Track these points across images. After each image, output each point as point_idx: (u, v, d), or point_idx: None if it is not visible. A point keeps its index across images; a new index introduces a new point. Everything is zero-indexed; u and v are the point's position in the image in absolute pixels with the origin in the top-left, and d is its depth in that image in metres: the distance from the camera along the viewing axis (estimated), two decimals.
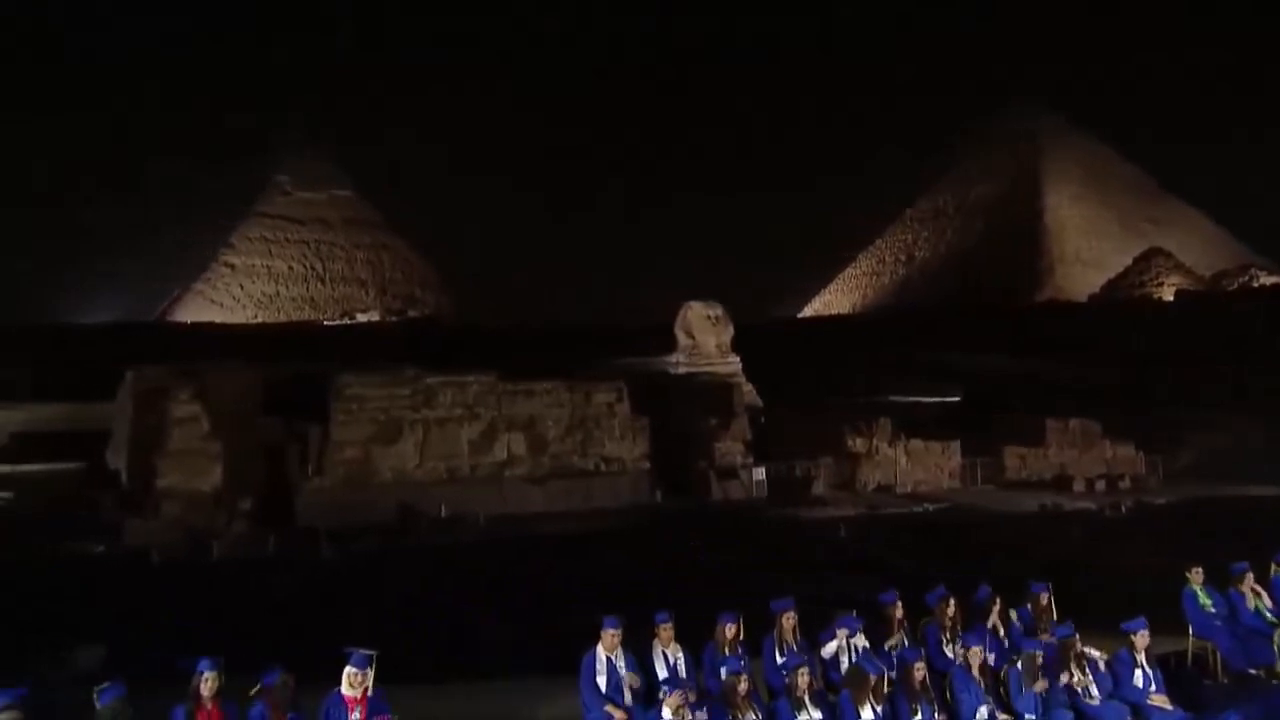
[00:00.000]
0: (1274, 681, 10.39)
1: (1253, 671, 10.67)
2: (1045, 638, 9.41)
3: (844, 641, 9.20)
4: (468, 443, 35.33)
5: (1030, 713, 8.41)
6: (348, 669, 7.67)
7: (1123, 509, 33.06)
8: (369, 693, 7.65)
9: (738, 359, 52.23)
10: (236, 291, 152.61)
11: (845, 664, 9.03)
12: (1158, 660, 9.51)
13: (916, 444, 40.55)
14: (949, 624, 9.72)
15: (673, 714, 7.54)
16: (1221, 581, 11.54)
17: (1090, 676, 8.90)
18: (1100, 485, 38.51)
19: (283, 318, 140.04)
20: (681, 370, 50.04)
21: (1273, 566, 11.80)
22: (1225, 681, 10.64)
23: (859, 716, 7.82)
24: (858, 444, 40.01)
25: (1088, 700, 8.77)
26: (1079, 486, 38.19)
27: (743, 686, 7.89)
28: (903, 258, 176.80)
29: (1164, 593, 11.89)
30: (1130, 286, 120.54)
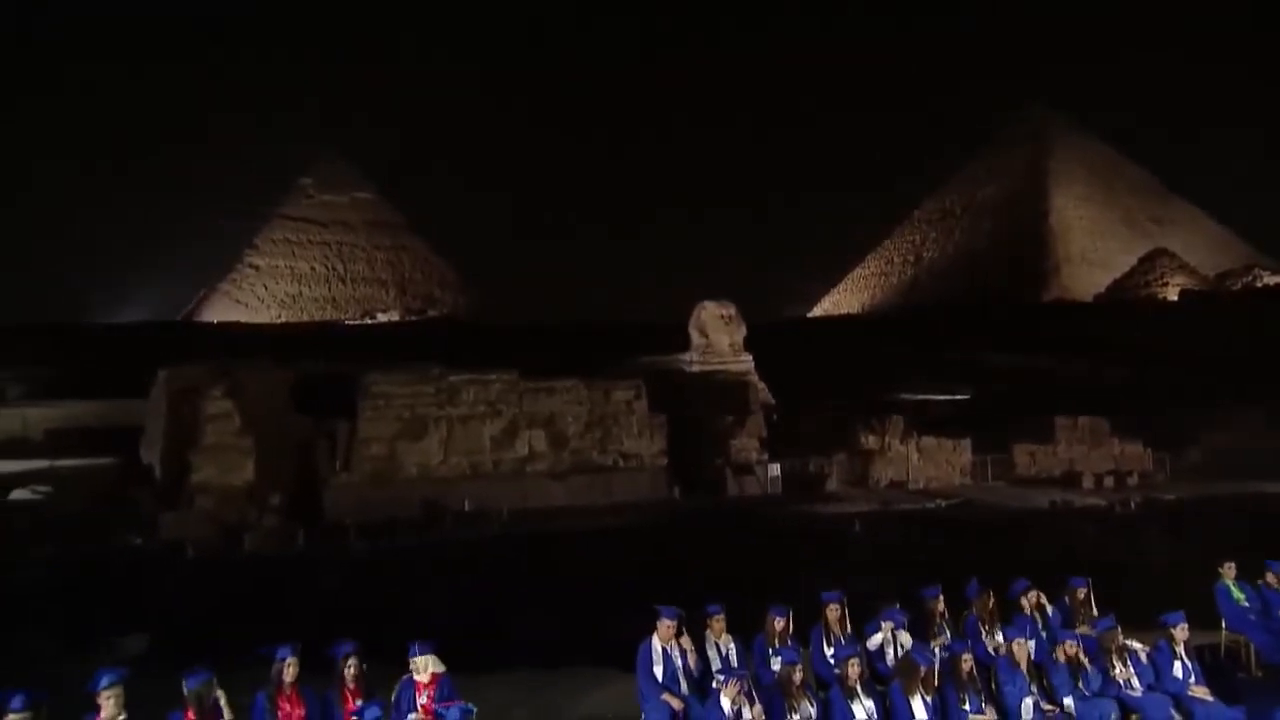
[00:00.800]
0: None
1: None
2: (1084, 630, 9.40)
3: (889, 634, 9.22)
4: (490, 439, 35.48)
5: (1074, 701, 8.41)
6: (412, 658, 7.91)
7: (1132, 505, 32.91)
8: (437, 678, 7.81)
9: (750, 357, 52.20)
10: (261, 292, 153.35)
11: (890, 655, 9.06)
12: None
13: (928, 441, 40.49)
14: (988, 616, 9.73)
15: (731, 702, 7.59)
16: (1247, 577, 11.50)
17: (1132, 669, 8.89)
18: (1109, 482, 38.37)
19: (305, 317, 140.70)
20: (695, 368, 50.04)
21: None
22: (1259, 674, 10.62)
23: (910, 706, 7.85)
24: (870, 441, 40.00)
25: (1130, 692, 8.77)
26: (1088, 483, 38.03)
27: (797, 676, 7.94)
28: (911, 258, 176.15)
29: (1180, 587, 11.86)
30: (1135, 286, 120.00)
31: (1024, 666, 8.52)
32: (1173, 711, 8.42)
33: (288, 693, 7.49)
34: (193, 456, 30.28)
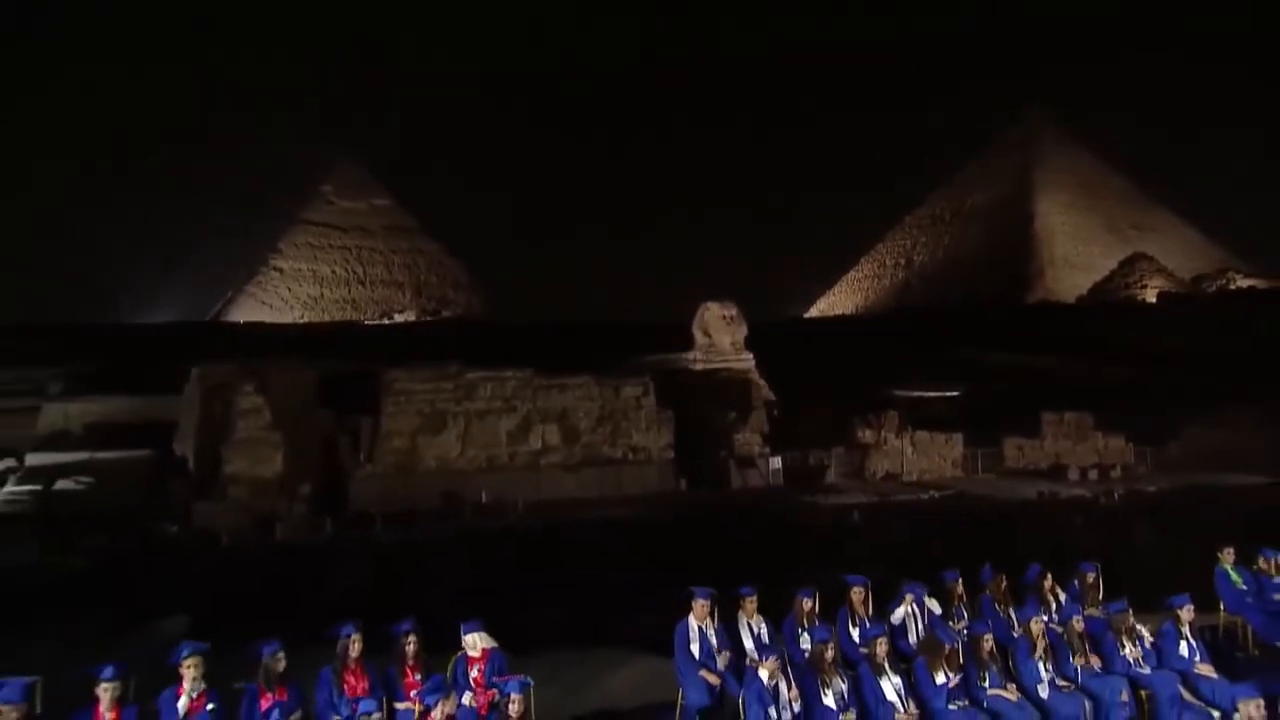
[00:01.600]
0: None
1: None
2: (1093, 612, 9.45)
3: (911, 607, 9.27)
4: (506, 433, 35.60)
5: (1086, 683, 8.47)
6: (464, 636, 8.04)
7: (1115, 496, 33.02)
8: (488, 653, 7.91)
9: (751, 356, 52.21)
10: (284, 294, 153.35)
11: (912, 629, 9.11)
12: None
13: (922, 435, 40.63)
14: (1002, 598, 9.79)
15: (769, 677, 7.64)
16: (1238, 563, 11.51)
17: (1140, 649, 8.95)
18: (1093, 474, 38.48)
19: (327, 318, 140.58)
20: (699, 366, 50.07)
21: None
22: (1256, 653, 10.69)
23: (934, 682, 7.91)
24: (867, 435, 40.10)
25: (1140, 670, 8.84)
26: (1073, 475, 38.16)
27: (829, 654, 8.00)
28: (902, 261, 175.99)
29: (1168, 573, 11.88)
30: (1115, 289, 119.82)
31: (1040, 647, 8.58)
32: (1179, 687, 8.47)
33: (352, 667, 7.57)
34: (225, 450, 30.36)
